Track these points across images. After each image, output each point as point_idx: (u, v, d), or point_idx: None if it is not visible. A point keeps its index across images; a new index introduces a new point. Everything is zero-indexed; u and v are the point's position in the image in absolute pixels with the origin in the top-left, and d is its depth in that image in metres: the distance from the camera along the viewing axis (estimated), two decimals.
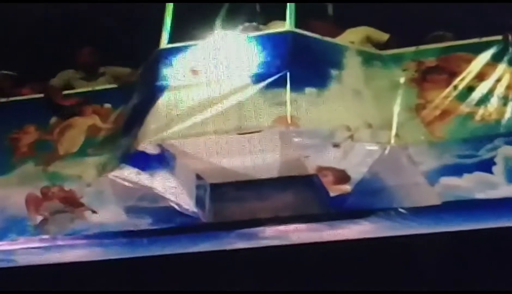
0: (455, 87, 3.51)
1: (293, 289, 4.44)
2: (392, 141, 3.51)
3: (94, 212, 3.94)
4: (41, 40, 4.72)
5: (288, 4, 3.68)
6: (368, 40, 3.93)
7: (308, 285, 4.44)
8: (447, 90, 3.52)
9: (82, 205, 3.93)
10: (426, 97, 3.56)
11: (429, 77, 3.61)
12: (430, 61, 3.64)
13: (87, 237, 4.03)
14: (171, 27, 3.85)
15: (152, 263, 4.22)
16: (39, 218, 4.02)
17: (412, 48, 3.70)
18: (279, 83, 3.51)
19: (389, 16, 3.98)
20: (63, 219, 4.00)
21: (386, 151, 3.52)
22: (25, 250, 4.13)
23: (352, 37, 3.90)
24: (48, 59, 4.55)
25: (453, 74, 3.55)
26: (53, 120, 4.09)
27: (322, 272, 4.36)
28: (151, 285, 4.62)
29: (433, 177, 3.52)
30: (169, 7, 3.88)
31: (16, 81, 4.48)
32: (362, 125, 3.50)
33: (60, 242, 4.09)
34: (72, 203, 3.94)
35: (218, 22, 3.80)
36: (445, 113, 3.50)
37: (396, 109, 3.54)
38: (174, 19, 3.86)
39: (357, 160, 3.55)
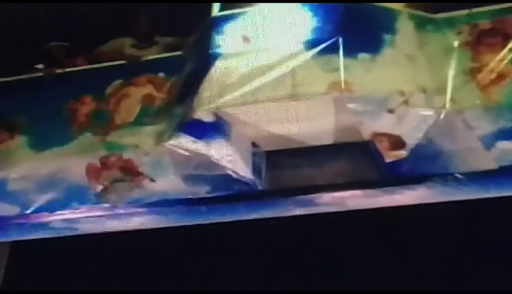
0: (511, 50, 3.49)
1: (348, 255, 4.49)
2: (447, 105, 3.55)
3: (152, 180, 4.05)
4: (95, 10, 4.80)
5: None
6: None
7: (364, 251, 4.48)
8: (503, 53, 3.55)
9: (140, 174, 4.03)
10: (481, 61, 3.58)
11: (483, 40, 3.63)
12: (484, 24, 3.65)
13: (146, 205, 4.16)
14: None
15: (211, 230, 4.28)
16: (100, 187, 4.15)
17: (465, 11, 3.73)
18: (332, 49, 3.58)
19: None
20: (122, 188, 4.12)
21: (441, 116, 3.56)
22: (87, 218, 4.25)
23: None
24: (101, 29, 4.62)
25: (508, 37, 3.62)
26: (109, 89, 4.18)
27: (378, 238, 4.39)
28: (210, 252, 4.71)
29: (489, 141, 3.54)
30: None
31: (70, 52, 4.56)
32: (416, 90, 3.54)
33: (120, 211, 4.23)
34: (130, 172, 4.06)
35: None
36: (500, 77, 3.53)
37: (451, 73, 3.58)
38: None
39: (412, 126, 3.60)
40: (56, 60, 4.61)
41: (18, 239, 4.82)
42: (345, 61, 3.64)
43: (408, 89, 3.63)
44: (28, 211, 4.35)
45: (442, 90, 3.67)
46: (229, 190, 4.20)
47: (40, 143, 4.30)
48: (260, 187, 4.13)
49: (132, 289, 4.97)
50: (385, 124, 3.68)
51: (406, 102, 3.62)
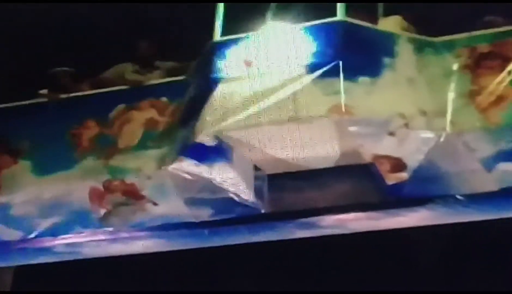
0: (510, 72, 3.56)
1: (351, 277, 4.51)
2: (448, 128, 3.60)
3: (155, 204, 4.10)
4: (97, 36, 4.83)
5: None
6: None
7: (367, 273, 4.50)
8: (502, 75, 3.59)
9: (143, 197, 4.08)
10: (480, 83, 3.62)
11: (482, 63, 3.68)
12: (483, 47, 3.70)
13: (149, 228, 4.21)
14: (224, 19, 3.99)
15: (214, 254, 4.31)
16: (103, 211, 4.17)
17: (465, 34, 3.79)
18: (333, 73, 3.63)
19: (439, 2, 3.96)
20: (125, 212, 4.17)
21: (442, 139, 3.61)
22: (90, 242, 4.27)
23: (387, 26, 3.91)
24: (104, 55, 4.66)
25: (507, 60, 3.67)
26: (112, 114, 4.22)
27: (381, 260, 4.42)
28: (213, 275, 4.73)
29: (489, 163, 3.59)
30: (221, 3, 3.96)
31: (74, 77, 4.60)
32: (417, 112, 3.59)
33: (123, 234, 4.28)
34: (133, 195, 4.10)
35: (269, 14, 3.85)
36: (500, 99, 3.58)
37: (451, 96, 3.63)
38: (227, 12, 3.96)
39: (413, 148, 3.65)
40: (60, 85, 4.64)
41: (21, 263, 4.85)
42: (345, 84, 3.68)
43: (409, 112, 3.67)
44: (32, 236, 4.39)
45: (442, 113, 3.71)
46: (232, 213, 4.23)
47: (43, 168, 4.33)
48: (262, 210, 4.16)
49: None
50: (386, 146, 3.72)
51: (406, 125, 3.66)
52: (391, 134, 3.72)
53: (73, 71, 4.84)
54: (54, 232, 4.36)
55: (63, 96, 4.56)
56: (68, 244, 4.42)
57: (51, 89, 4.64)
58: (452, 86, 3.77)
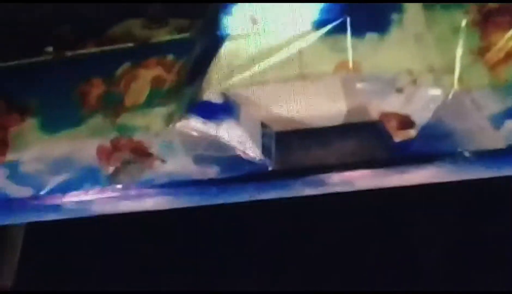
0: None
1: (358, 235, 4.52)
2: (456, 85, 3.53)
3: (163, 161, 4.06)
4: None
5: None
6: None
7: (374, 230, 4.52)
8: (511, 32, 3.48)
9: (151, 155, 4.06)
10: (489, 40, 3.55)
11: (492, 19, 3.60)
12: (493, 3, 3.60)
13: (157, 186, 4.17)
14: None
15: (221, 212, 4.32)
16: (111, 169, 4.16)
17: None
18: (340, 29, 3.57)
19: None
20: (133, 169, 4.15)
21: (450, 96, 3.55)
22: (100, 199, 4.28)
23: None
24: (112, 11, 4.63)
25: None
26: (119, 72, 4.19)
27: (387, 217, 4.43)
28: (219, 233, 4.76)
29: (498, 121, 3.54)
30: None
31: (80, 34, 4.58)
32: (425, 69, 3.54)
33: (132, 192, 4.26)
34: (141, 153, 4.08)
35: None
36: (509, 56, 3.50)
37: (459, 52, 3.55)
38: None
39: (421, 105, 3.61)
40: (66, 43, 4.63)
41: (32, 220, 4.88)
42: (352, 41, 3.64)
43: (417, 68, 3.63)
44: (41, 193, 4.39)
45: (450, 70, 3.67)
46: (239, 171, 4.22)
47: (51, 126, 4.33)
48: (270, 168, 4.15)
49: (143, 269, 5.04)
50: (394, 103, 3.69)
51: (414, 82, 3.63)
52: (399, 91, 3.69)
53: (79, 28, 4.84)
54: (63, 189, 4.36)
55: (69, 53, 4.55)
56: (78, 201, 4.43)
57: (56, 47, 4.63)
58: (461, 42, 3.73)
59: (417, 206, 4.69)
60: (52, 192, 4.66)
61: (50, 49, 4.58)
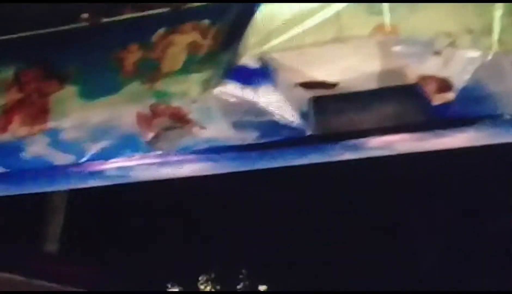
0: None
1: (397, 198, 4.50)
2: (495, 47, 3.48)
3: (202, 127, 4.08)
4: None
5: None
6: None
7: (412, 193, 4.49)
8: None
9: (190, 121, 4.09)
10: None
11: None
12: None
13: (197, 152, 4.20)
14: None
15: (260, 176, 4.33)
16: (150, 135, 4.19)
17: None
18: None
19: None
20: (173, 135, 4.20)
21: (489, 58, 3.52)
22: (140, 166, 4.31)
23: None
24: None
25: None
26: (155, 38, 4.19)
27: (426, 180, 4.39)
28: (258, 197, 4.77)
29: None
30: None
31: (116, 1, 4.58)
32: (463, 31, 3.52)
33: (172, 158, 4.30)
34: (180, 119, 4.12)
35: None
36: None
37: (498, 13, 3.55)
38: None
39: (459, 68, 3.59)
40: (101, 9, 4.63)
41: (74, 187, 4.93)
42: (390, 3, 3.62)
43: (454, 30, 3.60)
44: (83, 160, 4.44)
45: (489, 31, 3.63)
46: (278, 135, 4.23)
47: (90, 92, 4.37)
48: (308, 133, 4.15)
49: (185, 232, 5.08)
50: (432, 66, 3.67)
51: (452, 44, 3.59)
52: (437, 53, 3.66)
53: None
54: (104, 156, 4.42)
55: (105, 20, 4.56)
56: (118, 168, 4.48)
57: (92, 13, 4.64)
58: (500, 3, 3.68)
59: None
60: (93, 159, 4.71)
61: (86, 16, 4.61)
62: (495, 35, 3.64)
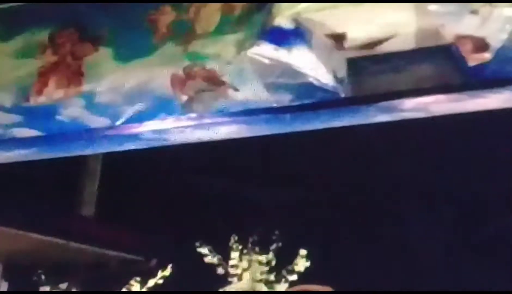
0: None
1: (432, 160, 4.46)
2: None
3: (236, 89, 4.07)
4: None
5: None
6: None
7: (448, 156, 4.44)
8: None
9: (224, 83, 4.08)
10: None
11: None
12: None
13: (231, 114, 4.20)
14: None
15: (296, 139, 4.31)
16: (185, 98, 4.18)
17: None
18: None
19: None
20: (207, 98, 4.20)
21: None
22: (176, 128, 4.32)
23: None
24: None
25: None
26: None
27: (462, 143, 4.34)
28: (293, 160, 4.75)
29: None
30: None
31: None
32: None
33: (206, 120, 4.31)
34: (214, 81, 4.11)
35: None
36: None
37: None
38: None
39: (496, 27, 3.54)
40: None
41: (110, 150, 4.95)
42: None
43: None
44: (118, 122, 4.45)
45: None
46: (312, 97, 4.21)
47: (124, 55, 4.37)
48: (343, 95, 4.12)
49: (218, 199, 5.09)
50: (468, 25, 3.61)
51: (489, 2, 3.52)
52: (474, 12, 3.59)
53: None
54: (139, 118, 4.42)
55: None
56: (154, 130, 4.49)
57: None
58: None
59: None
60: (128, 121, 4.72)
61: None
62: None
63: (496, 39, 3.70)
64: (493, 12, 3.64)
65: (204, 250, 10.75)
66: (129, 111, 4.50)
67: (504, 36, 3.68)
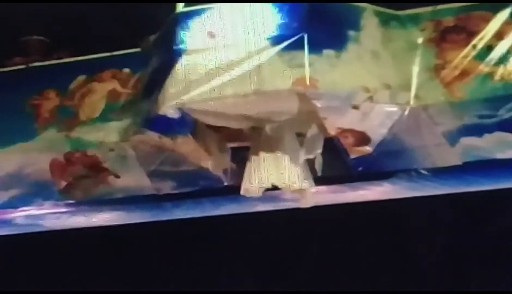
0: (474, 46, 3.56)
1: (313, 251, 4.52)
2: (412, 102, 3.57)
3: (117, 176, 4.02)
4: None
5: None
6: None
7: (329, 247, 4.52)
8: (466, 49, 3.55)
9: (105, 170, 4.03)
10: (445, 57, 3.60)
11: (447, 37, 3.64)
12: (448, 21, 3.65)
13: (111, 201, 4.14)
14: None
15: (176, 227, 4.30)
16: (64, 184, 4.10)
17: (430, 8, 3.71)
18: (297, 45, 3.56)
19: None
20: (87, 184, 4.12)
21: (406, 112, 3.58)
22: (52, 214, 4.23)
23: None
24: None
25: (472, 34, 3.59)
26: (73, 85, 4.14)
27: (343, 234, 4.43)
28: (174, 248, 4.73)
29: (453, 137, 3.57)
30: None
31: (48, 47, 4.51)
32: (381, 86, 3.56)
33: (85, 207, 4.20)
34: (95, 168, 4.05)
35: None
36: (464, 73, 3.54)
37: (415, 69, 3.59)
38: None
39: (377, 122, 3.61)
40: (31, 53, 4.55)
41: None
42: (310, 57, 3.60)
43: (373, 85, 3.63)
44: None
45: (406, 87, 3.67)
46: (195, 186, 4.19)
47: (3, 139, 4.25)
48: (225, 183, 4.13)
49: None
50: (350, 120, 3.68)
51: (370, 98, 3.62)
52: (355, 107, 3.67)
53: (47, 40, 4.75)
54: (14, 204, 4.30)
55: (21, 66, 4.49)
56: (28, 216, 4.36)
57: (23, 56, 4.57)
58: (417, 60, 3.72)
59: None
60: (2, 207, 4.58)
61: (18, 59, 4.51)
62: (413, 91, 3.68)
63: (376, 133, 3.78)
64: (374, 108, 3.73)
65: None
66: (4, 196, 4.36)
67: (384, 130, 3.77)
